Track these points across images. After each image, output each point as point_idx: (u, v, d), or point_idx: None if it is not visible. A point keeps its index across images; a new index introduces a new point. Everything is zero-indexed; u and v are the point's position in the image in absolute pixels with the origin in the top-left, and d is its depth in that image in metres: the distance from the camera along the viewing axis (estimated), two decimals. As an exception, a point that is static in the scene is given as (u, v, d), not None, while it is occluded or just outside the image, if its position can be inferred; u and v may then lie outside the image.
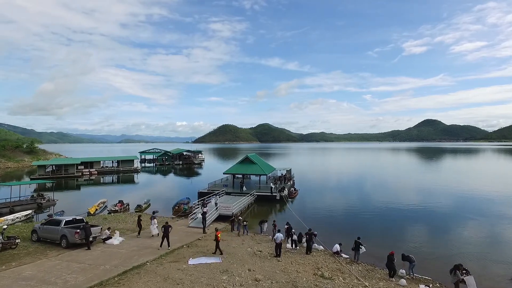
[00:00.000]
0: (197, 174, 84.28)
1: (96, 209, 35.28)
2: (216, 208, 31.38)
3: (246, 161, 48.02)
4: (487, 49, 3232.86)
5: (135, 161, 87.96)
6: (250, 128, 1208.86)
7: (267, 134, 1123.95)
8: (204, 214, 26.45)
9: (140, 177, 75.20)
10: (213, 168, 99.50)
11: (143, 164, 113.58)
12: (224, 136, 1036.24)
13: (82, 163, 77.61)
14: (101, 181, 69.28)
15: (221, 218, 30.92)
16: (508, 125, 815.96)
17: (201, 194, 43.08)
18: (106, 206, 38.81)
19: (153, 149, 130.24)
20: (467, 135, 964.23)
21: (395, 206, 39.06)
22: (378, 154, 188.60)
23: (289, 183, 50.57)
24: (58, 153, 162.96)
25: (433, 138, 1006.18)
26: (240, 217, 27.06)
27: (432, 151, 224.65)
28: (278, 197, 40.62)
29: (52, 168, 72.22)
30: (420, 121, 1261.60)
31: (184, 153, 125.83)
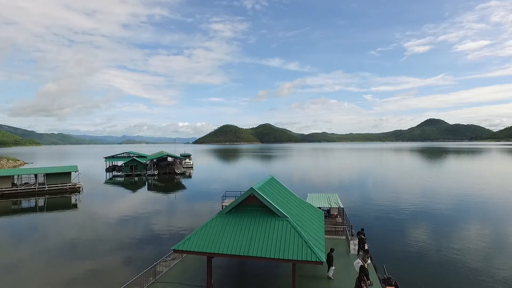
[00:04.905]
0: (173, 192, 53.79)
1: None
2: None
3: (251, 202, 16.76)
4: (490, 48, 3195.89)
5: (72, 174, 55.77)
6: (251, 129, 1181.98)
7: (269, 135, 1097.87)
8: None
9: (84, 200, 47.06)
10: (203, 181, 67.99)
11: (110, 174, 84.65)
12: (225, 137, 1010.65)
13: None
14: (12, 208, 42.05)
15: None
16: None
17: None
18: None
19: (124, 153, 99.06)
20: (472, 135, 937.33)
21: None
22: (396, 155, 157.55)
23: (361, 251, 19.62)
24: (14, 158, 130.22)
25: (437, 138, 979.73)
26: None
27: (444, 151, 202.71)
28: None
29: None
30: (422, 121, 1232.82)
31: (169, 158, 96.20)
